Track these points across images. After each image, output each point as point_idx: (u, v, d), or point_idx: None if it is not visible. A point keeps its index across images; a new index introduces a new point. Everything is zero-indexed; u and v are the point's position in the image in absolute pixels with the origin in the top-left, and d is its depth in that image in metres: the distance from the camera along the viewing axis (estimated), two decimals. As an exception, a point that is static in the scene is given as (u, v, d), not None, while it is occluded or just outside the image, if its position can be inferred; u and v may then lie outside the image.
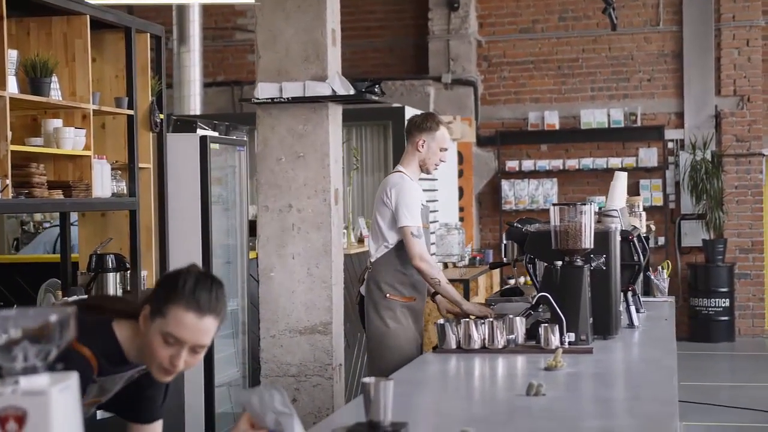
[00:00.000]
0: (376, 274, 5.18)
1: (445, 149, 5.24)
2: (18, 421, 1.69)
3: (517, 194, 12.75)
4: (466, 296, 8.70)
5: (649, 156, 12.46)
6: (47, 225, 7.98)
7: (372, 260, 5.23)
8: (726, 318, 12.10)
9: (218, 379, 6.39)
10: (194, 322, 2.53)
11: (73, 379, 1.76)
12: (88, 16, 5.10)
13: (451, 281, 8.71)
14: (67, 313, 1.74)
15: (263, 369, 5.61)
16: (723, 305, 12.06)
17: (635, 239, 4.93)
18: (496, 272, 10.53)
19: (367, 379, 2.68)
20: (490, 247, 12.25)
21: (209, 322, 2.56)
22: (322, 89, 5.43)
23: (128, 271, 5.52)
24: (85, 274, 5.44)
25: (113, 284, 5.33)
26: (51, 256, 6.68)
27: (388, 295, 5.13)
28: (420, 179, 7.78)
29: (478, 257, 10.41)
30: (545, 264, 4.46)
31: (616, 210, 5.11)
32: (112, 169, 5.45)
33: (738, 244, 12.42)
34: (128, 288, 5.54)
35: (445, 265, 9.88)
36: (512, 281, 9.48)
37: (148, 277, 5.78)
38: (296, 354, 5.54)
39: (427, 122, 5.23)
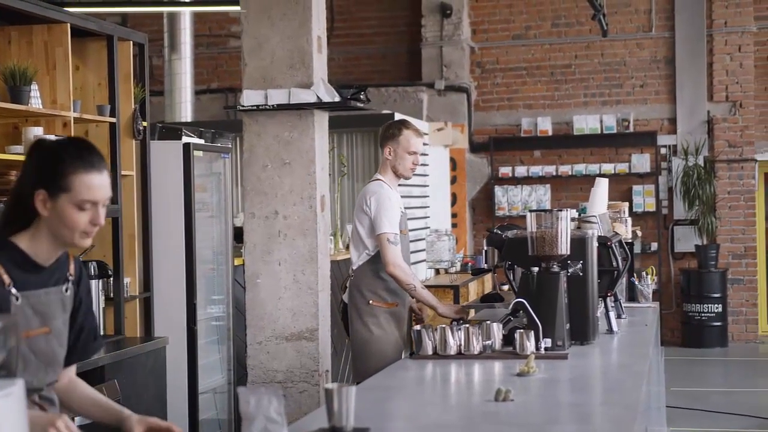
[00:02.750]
0: (358, 281, 5.25)
1: (414, 152, 5.29)
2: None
3: (510, 200, 12.76)
4: (456, 303, 8.71)
5: (641, 162, 12.47)
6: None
7: (354, 267, 5.30)
8: (719, 323, 12.10)
9: (203, 385, 6.40)
10: (99, 180, 2.67)
11: (18, 386, 1.78)
12: (68, 25, 5.12)
13: (442, 287, 8.81)
14: (11, 320, 1.75)
15: (250, 375, 5.62)
16: (716, 311, 12.06)
17: (614, 245, 4.94)
18: (488, 278, 10.54)
19: (329, 386, 2.71)
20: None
21: (106, 175, 2.71)
22: (307, 96, 5.45)
23: (111, 278, 5.53)
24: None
25: (96, 291, 5.34)
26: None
27: (371, 301, 5.20)
28: (409, 185, 7.79)
29: (470, 263, 10.42)
30: (522, 270, 4.47)
31: (595, 216, 5.11)
32: (95, 176, 5.46)
33: (731, 250, 12.42)
34: (111, 295, 5.56)
35: (437, 272, 9.90)
36: (506, 287, 9.48)
37: (131, 284, 5.79)
38: (283, 360, 5.56)
39: (389, 130, 5.32)
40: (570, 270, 4.41)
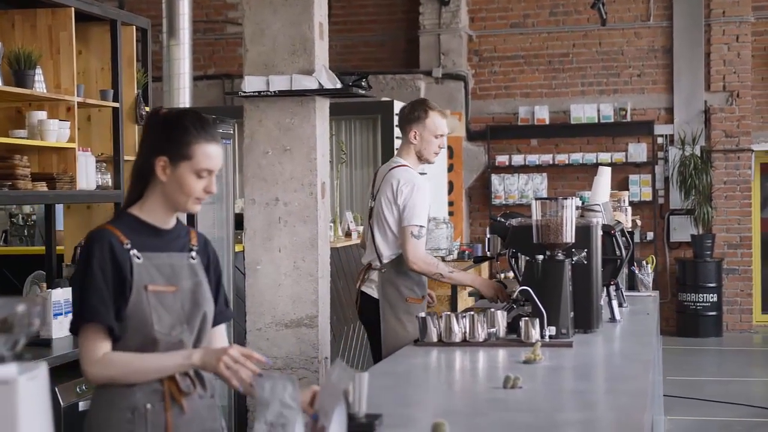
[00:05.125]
0: (392, 276, 5.03)
1: (441, 135, 5.05)
2: (-15, 409, 1.70)
3: (507, 189, 12.78)
4: (453, 291, 8.72)
5: (638, 151, 12.50)
6: (35, 218, 7.94)
7: (384, 261, 5.05)
8: (714, 313, 12.14)
9: (203, 371, 6.38)
10: (217, 151, 2.85)
11: (42, 369, 1.78)
12: (72, 9, 5.10)
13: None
14: (35, 302, 1.75)
15: (249, 362, 5.62)
16: (711, 300, 12.10)
17: (617, 234, 4.94)
18: (485, 266, 10.56)
19: (342, 372, 2.70)
20: (480, 241, 12.25)
21: (221, 147, 2.90)
22: (308, 83, 5.43)
23: (113, 264, 5.51)
24: (69, 266, 5.45)
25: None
26: (37, 248, 6.68)
27: (408, 298, 5.02)
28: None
29: (467, 251, 10.43)
30: (527, 258, 4.48)
31: (599, 204, 5.12)
32: (98, 161, 5.45)
33: (726, 240, 12.46)
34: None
35: (434, 259, 9.91)
36: (501, 275, 9.50)
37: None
38: (282, 347, 5.55)
39: (414, 112, 5.06)
40: (575, 258, 4.41)
